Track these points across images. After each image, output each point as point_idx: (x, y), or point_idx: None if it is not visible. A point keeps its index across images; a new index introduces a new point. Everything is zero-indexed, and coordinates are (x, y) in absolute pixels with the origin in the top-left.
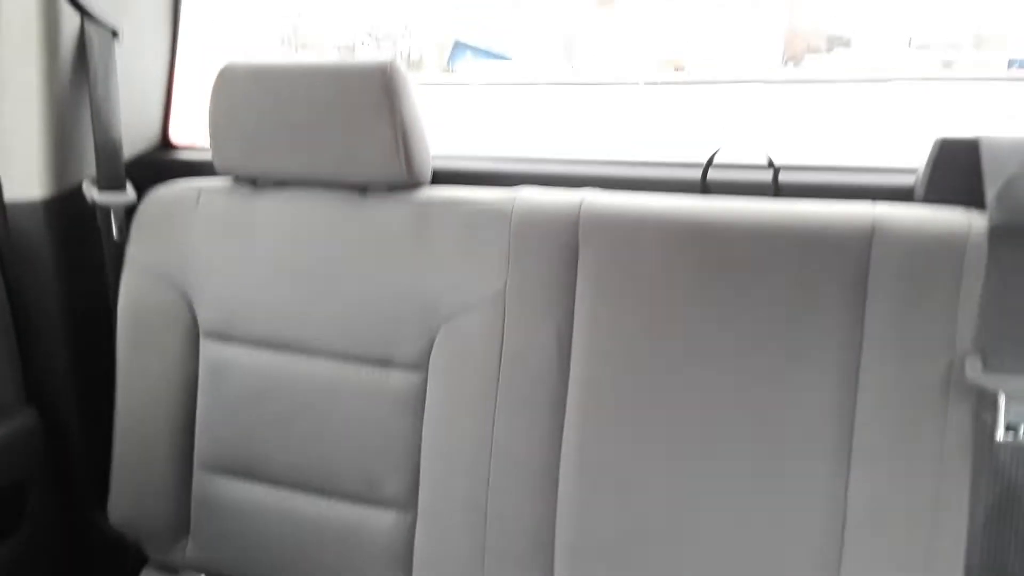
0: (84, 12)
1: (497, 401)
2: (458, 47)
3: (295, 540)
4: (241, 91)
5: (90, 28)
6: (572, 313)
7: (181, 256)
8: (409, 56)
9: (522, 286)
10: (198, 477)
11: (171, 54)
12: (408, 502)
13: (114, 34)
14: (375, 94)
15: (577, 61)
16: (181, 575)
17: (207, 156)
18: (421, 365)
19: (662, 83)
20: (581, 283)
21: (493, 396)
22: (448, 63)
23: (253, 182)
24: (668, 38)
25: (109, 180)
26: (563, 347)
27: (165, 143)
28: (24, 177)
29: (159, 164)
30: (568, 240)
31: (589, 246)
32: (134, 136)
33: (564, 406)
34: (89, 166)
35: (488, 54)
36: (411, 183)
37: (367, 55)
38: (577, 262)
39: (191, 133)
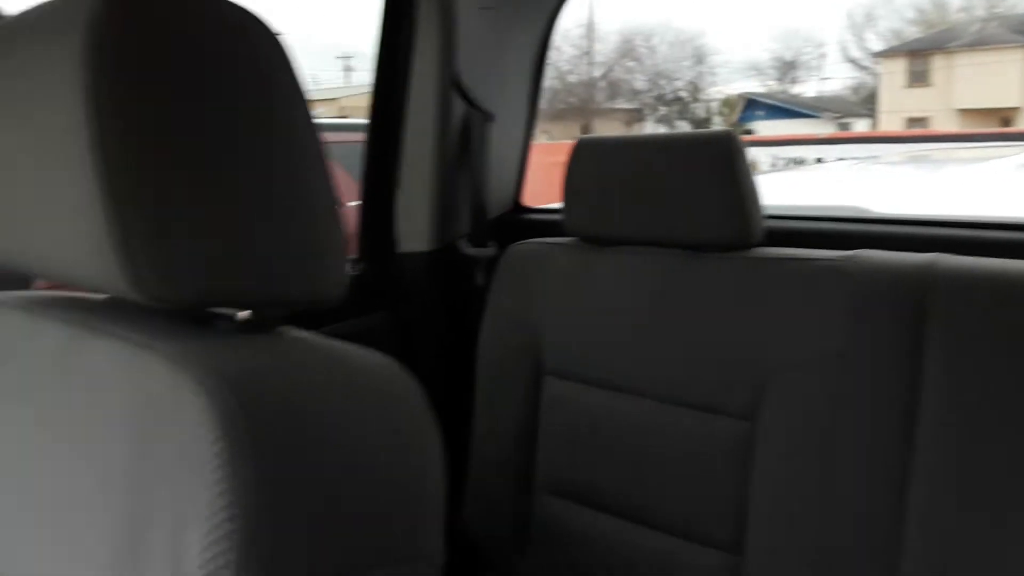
0: (470, 102)
1: (836, 458)
2: (751, 105)
3: (622, 568)
4: (594, 162)
5: (472, 113)
6: (919, 376)
7: (532, 303)
8: (693, 115)
9: (863, 346)
10: (539, 497)
11: (527, 130)
12: (733, 544)
13: (488, 117)
14: (717, 161)
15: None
16: None
17: (552, 217)
18: (748, 416)
19: None
20: (932, 348)
21: (831, 453)
22: (740, 120)
23: (597, 241)
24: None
25: (478, 237)
26: (908, 410)
27: (517, 205)
28: (416, 234)
29: (514, 223)
30: (915, 302)
31: (943, 310)
32: (495, 200)
33: (906, 468)
34: (463, 225)
35: (784, 112)
36: (745, 242)
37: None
38: (924, 325)
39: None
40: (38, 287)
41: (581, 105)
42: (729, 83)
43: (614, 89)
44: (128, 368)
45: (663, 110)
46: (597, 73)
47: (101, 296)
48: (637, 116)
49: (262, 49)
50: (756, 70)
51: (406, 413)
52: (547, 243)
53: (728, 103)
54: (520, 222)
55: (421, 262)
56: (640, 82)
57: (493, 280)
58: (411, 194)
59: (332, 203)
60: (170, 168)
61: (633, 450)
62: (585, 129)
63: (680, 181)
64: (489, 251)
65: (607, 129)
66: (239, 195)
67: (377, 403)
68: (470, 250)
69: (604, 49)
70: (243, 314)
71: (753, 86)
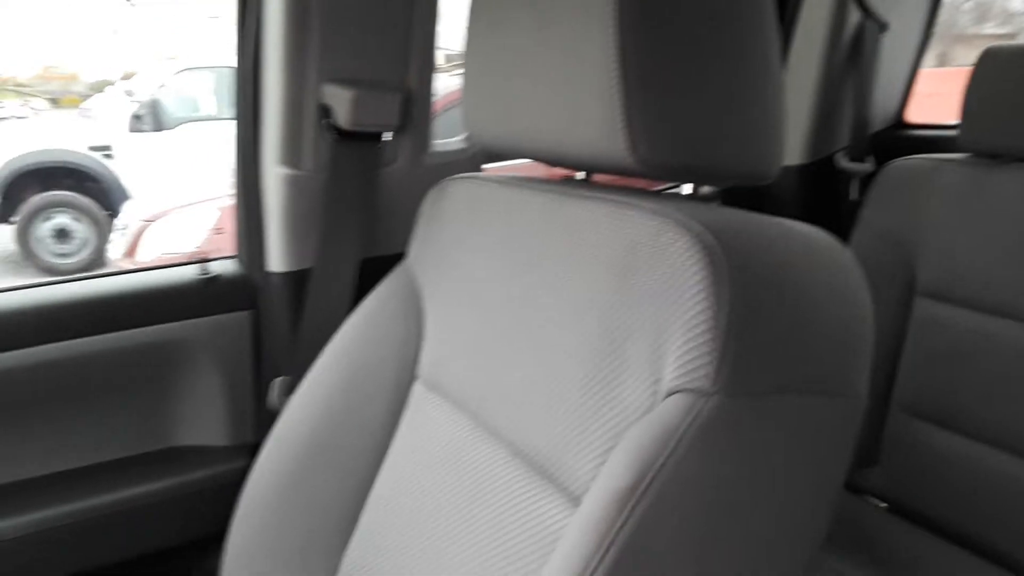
0: (866, 10)
1: None
2: None
3: (984, 491)
4: (1002, 72)
5: (867, 22)
6: None
7: (910, 220)
8: None
9: None
10: (894, 416)
11: (921, 43)
12: None
13: (883, 27)
14: None
15: None
16: (864, 498)
17: (936, 134)
18: None
19: None
20: None
21: None
22: None
23: (995, 156)
24: None
25: (856, 151)
26: None
27: (900, 121)
28: (792, 147)
29: (896, 139)
30: None
31: None
32: (877, 114)
33: None
34: (842, 139)
35: None
36: None
37: None
38: None
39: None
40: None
41: (941, 31)
42: None
43: (982, 12)
44: (608, 220)
45: None
46: None
47: (556, 179)
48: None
49: None
50: None
51: (845, 276)
52: (934, 159)
53: None
54: (902, 138)
55: (794, 174)
56: (1018, 2)
57: (869, 195)
58: (791, 106)
59: (779, 92)
60: (669, 63)
61: (1003, 375)
62: (943, 58)
63: None
64: (867, 166)
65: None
66: (715, 86)
67: (823, 264)
68: (847, 164)
69: None
70: (704, 189)
71: None
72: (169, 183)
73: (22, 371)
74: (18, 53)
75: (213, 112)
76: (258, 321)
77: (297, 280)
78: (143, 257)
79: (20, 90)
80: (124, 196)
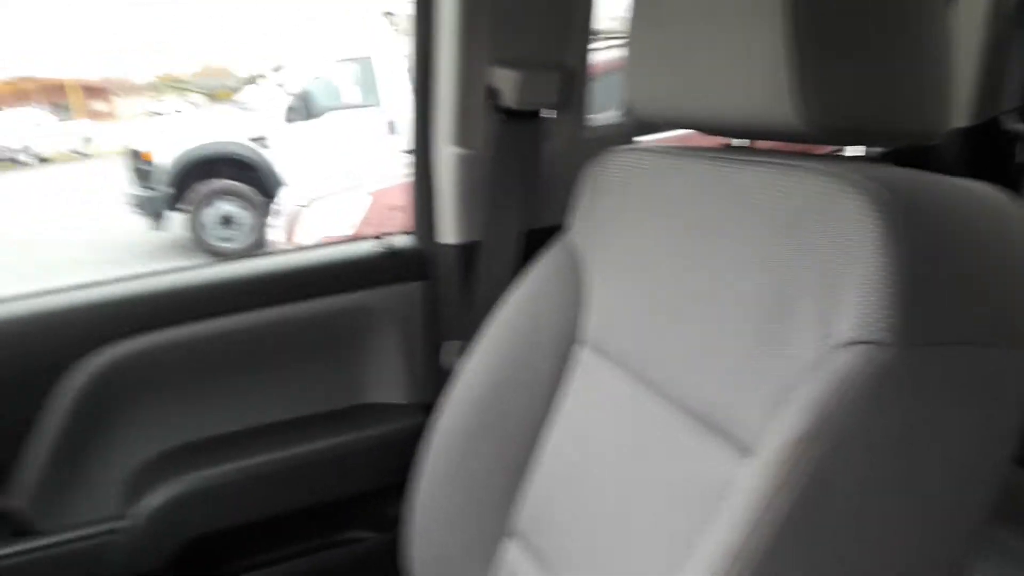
0: None
1: None
2: None
3: None
4: None
5: None
6: None
7: None
8: None
9: None
10: None
11: None
12: None
13: None
14: None
15: None
16: None
17: None
18: None
19: None
20: None
21: None
22: None
23: None
24: None
25: None
26: None
27: None
28: (954, 109)
29: None
30: None
31: None
32: None
33: None
34: (1007, 101)
35: None
36: None
37: None
38: None
39: None
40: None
41: None
42: None
43: None
44: (778, 181)
45: None
46: None
47: (716, 147)
48: None
49: None
50: None
51: (1021, 230)
52: None
53: None
54: None
55: (959, 136)
56: None
57: None
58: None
59: (947, 48)
60: (838, 23)
61: None
62: None
63: None
64: None
65: None
66: (883, 44)
67: (998, 218)
68: (1015, 126)
69: None
70: (865, 151)
71: None
72: (319, 170)
73: (236, 333)
74: (178, 52)
75: (355, 101)
76: (432, 289)
77: (467, 251)
78: (300, 240)
79: (180, 86)
80: (279, 183)
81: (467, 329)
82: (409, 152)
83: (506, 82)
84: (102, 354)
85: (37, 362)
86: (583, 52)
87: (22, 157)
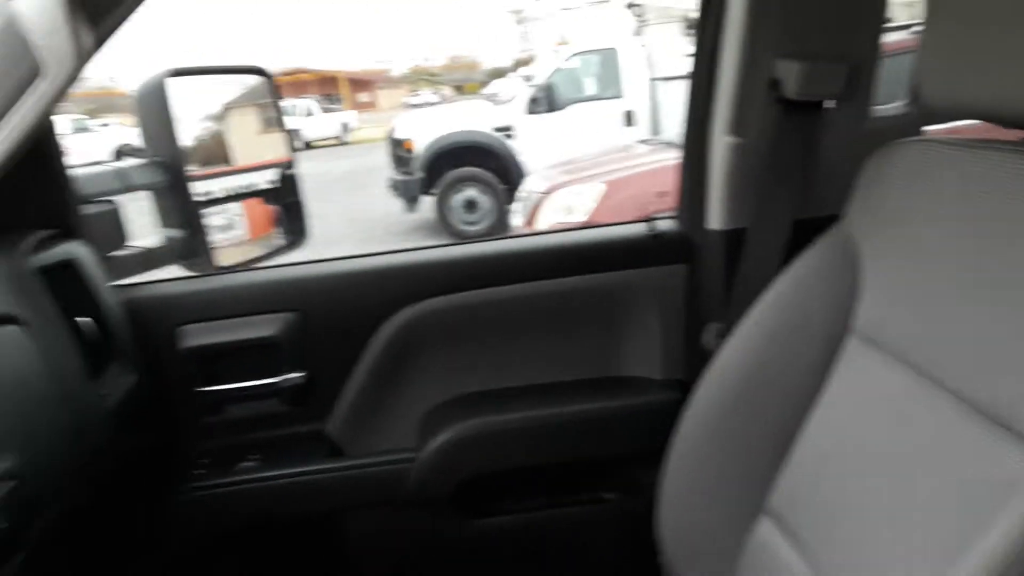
0: None
1: None
2: None
3: None
4: None
5: None
6: None
7: None
8: None
9: None
10: None
11: None
12: None
13: None
14: None
15: None
16: None
17: None
18: None
19: None
20: None
21: None
22: None
23: None
24: None
25: None
26: None
27: None
28: None
29: None
30: None
31: None
32: None
33: None
34: None
35: None
36: None
37: None
38: None
39: None
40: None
41: None
42: None
43: None
44: None
45: None
46: None
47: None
48: None
49: None
50: None
51: None
52: None
53: None
54: None
55: None
56: None
57: None
58: None
59: None
60: None
61: None
62: None
63: None
64: None
65: None
66: None
67: None
68: None
69: None
70: None
71: None
72: (559, 160)
73: (516, 301)
74: (430, 46)
75: (595, 92)
76: (693, 273)
77: (733, 238)
78: (540, 226)
79: (431, 79)
80: (521, 172)
81: (729, 312)
82: (649, 141)
83: (789, 73)
84: (409, 310)
85: (361, 313)
86: (873, 43)
87: (294, 143)
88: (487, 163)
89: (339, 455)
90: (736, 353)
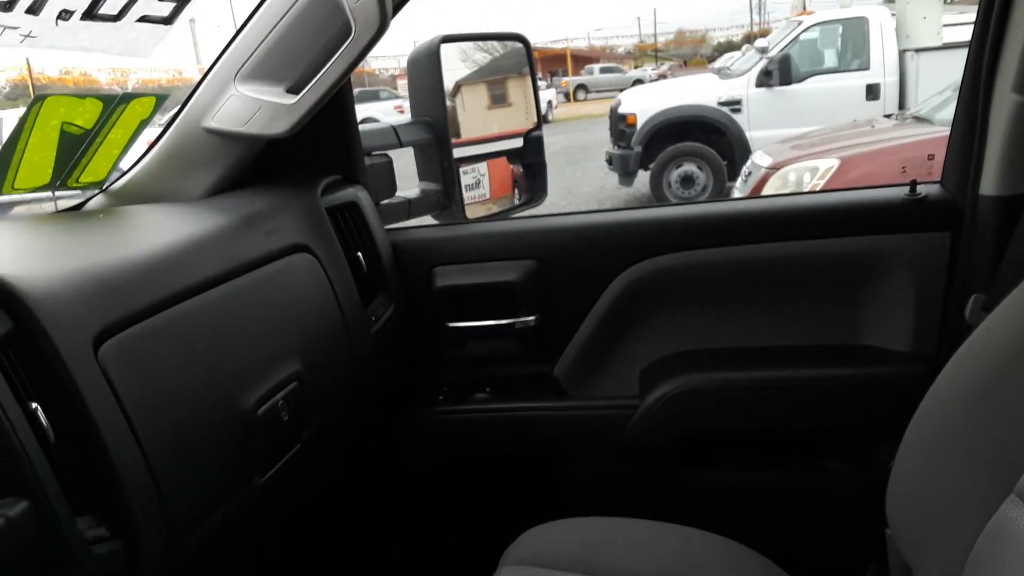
0: None
1: None
2: None
3: None
4: None
5: None
6: None
7: None
8: None
9: None
10: None
11: None
12: None
13: None
14: None
15: None
16: None
17: None
18: None
19: None
20: None
21: None
22: None
23: None
24: None
25: None
26: None
27: None
28: None
29: None
30: None
31: None
32: None
33: None
34: None
35: None
36: None
37: None
38: None
39: None
40: None
41: None
42: None
43: None
44: None
45: None
46: None
47: None
48: None
49: None
50: None
51: None
52: None
53: None
54: None
55: None
56: None
57: None
58: None
59: None
60: None
61: None
62: None
63: None
64: None
65: None
66: None
67: None
68: None
69: None
70: None
71: None
72: (791, 134)
73: (754, 261)
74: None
75: (836, 64)
76: (957, 241)
77: (1009, 204)
78: None
79: (657, 55)
80: (746, 147)
81: (995, 285)
82: (896, 116)
83: None
84: (642, 265)
85: (595, 265)
86: None
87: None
88: (709, 138)
89: (564, 396)
90: (1000, 328)
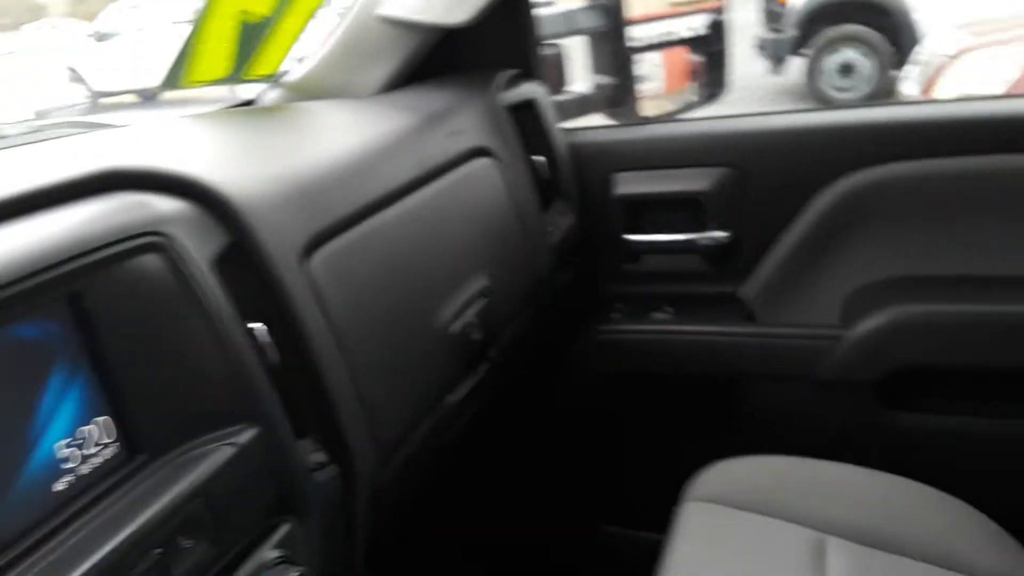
0: None
1: None
2: None
3: None
4: None
5: None
6: None
7: None
8: None
9: None
10: None
11: None
12: None
13: None
14: None
15: None
16: None
17: None
18: None
19: None
20: None
21: None
22: None
23: None
24: None
25: None
26: None
27: None
28: None
29: None
30: None
31: None
32: None
33: None
34: None
35: None
36: None
37: None
38: None
39: None
40: None
41: None
42: None
43: None
44: None
45: None
46: None
47: None
48: None
49: None
50: None
51: None
52: None
53: None
54: None
55: None
56: None
57: None
58: None
59: None
60: None
61: None
62: None
63: None
64: None
65: None
66: None
67: None
68: None
69: None
70: None
71: None
72: (974, 17)
73: (985, 176)
74: None
75: None
76: None
77: None
78: (940, 94)
79: None
80: (915, 32)
81: None
82: None
83: None
84: (855, 176)
85: (800, 175)
86: None
87: None
88: (873, 21)
89: (751, 321)
90: None
